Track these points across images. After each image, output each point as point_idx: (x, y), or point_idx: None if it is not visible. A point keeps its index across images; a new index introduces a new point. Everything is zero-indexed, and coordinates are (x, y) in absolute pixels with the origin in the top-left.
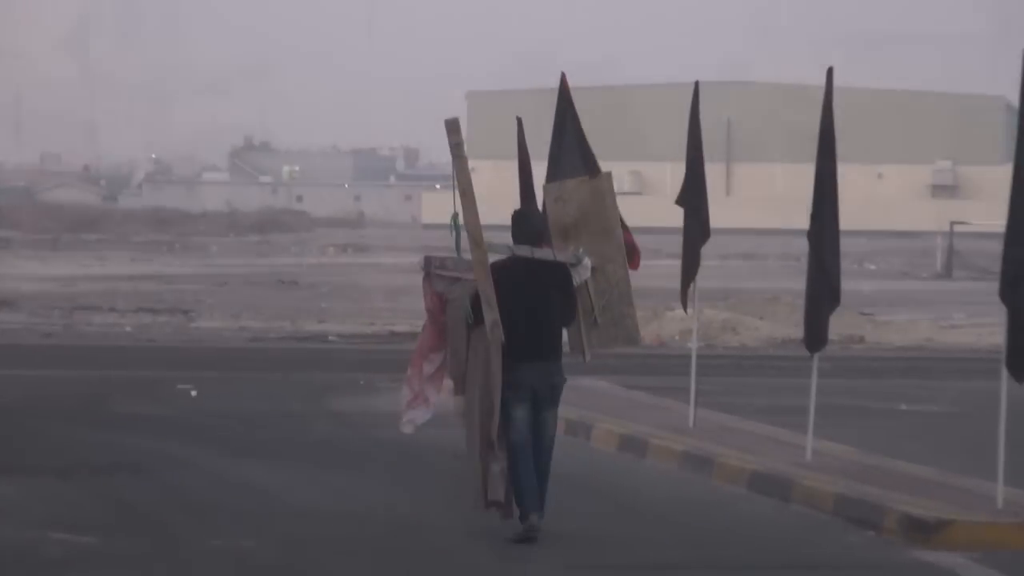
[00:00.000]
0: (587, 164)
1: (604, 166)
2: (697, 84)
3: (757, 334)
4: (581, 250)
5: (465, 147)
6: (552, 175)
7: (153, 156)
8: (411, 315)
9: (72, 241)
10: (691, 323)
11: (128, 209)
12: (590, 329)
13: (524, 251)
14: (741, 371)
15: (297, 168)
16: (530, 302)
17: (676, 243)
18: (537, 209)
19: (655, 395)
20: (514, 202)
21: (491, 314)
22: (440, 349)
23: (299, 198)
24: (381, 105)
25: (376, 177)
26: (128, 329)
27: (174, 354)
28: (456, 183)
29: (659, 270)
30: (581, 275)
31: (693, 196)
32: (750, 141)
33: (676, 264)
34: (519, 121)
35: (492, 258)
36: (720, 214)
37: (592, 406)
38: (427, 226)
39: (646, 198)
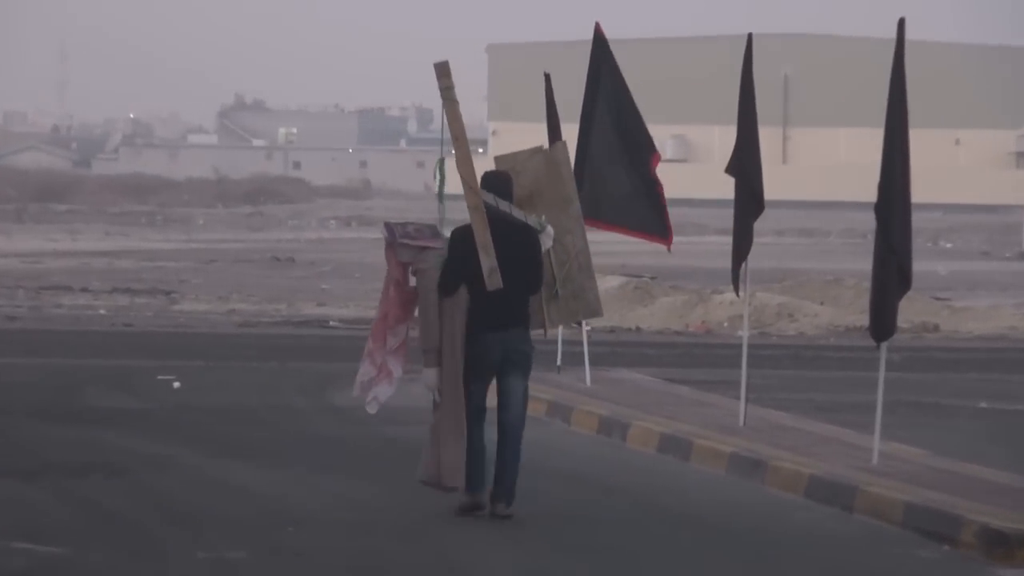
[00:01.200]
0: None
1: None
2: (750, 36)
3: (817, 321)
4: (543, 217)
5: (456, 91)
6: (584, 139)
7: (131, 116)
8: None
9: (39, 212)
10: (742, 308)
11: (103, 176)
12: (550, 302)
13: (505, 205)
14: (798, 363)
15: (295, 130)
16: (500, 266)
17: (725, 217)
18: (509, 174)
19: (700, 390)
20: None
21: (488, 260)
22: (405, 321)
23: (297, 164)
24: (390, 60)
25: (384, 141)
26: (102, 312)
27: (154, 340)
28: (448, 128)
29: (706, 248)
30: (545, 243)
31: (745, 164)
32: (809, 102)
33: (725, 241)
34: (547, 78)
35: (463, 220)
36: (775, 184)
37: (628, 402)
38: (448, 196)
39: (691, 166)
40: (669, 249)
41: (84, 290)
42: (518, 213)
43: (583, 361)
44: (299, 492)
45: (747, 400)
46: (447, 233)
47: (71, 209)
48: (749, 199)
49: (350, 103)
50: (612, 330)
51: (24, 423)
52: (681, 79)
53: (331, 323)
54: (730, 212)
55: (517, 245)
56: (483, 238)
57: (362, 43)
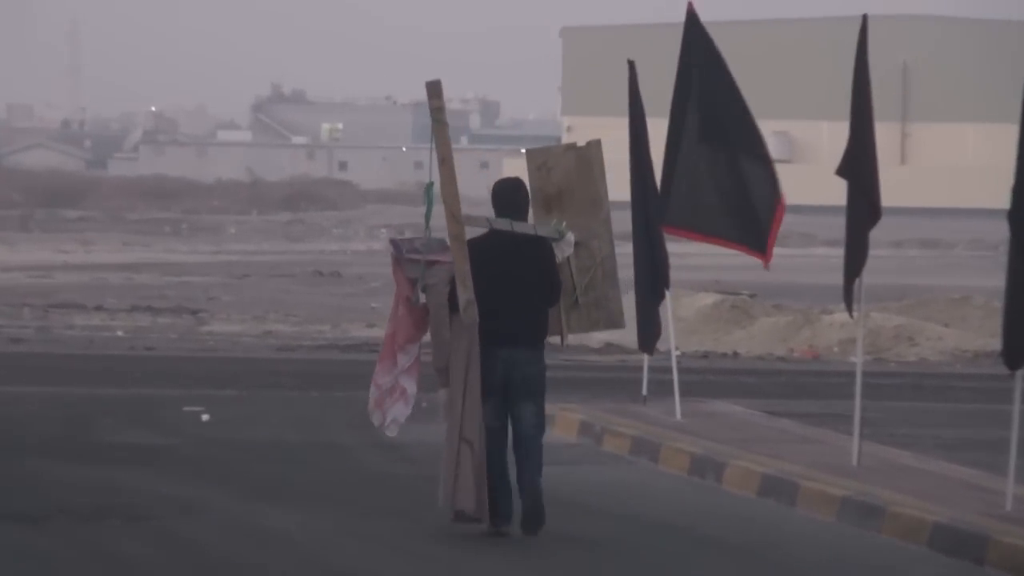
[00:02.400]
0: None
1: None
2: (865, 18)
3: (941, 345)
4: (564, 223)
5: (447, 112)
6: (674, 135)
7: (153, 109)
8: None
9: (47, 219)
10: (855, 331)
11: (120, 178)
12: (569, 311)
13: (503, 224)
14: (920, 393)
15: (340, 126)
16: (509, 280)
17: (836, 226)
18: (523, 181)
19: (807, 424)
20: (618, 170)
21: (465, 294)
22: (417, 340)
23: (343, 165)
24: (450, 46)
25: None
26: (120, 334)
27: (179, 367)
28: (436, 150)
29: (813, 262)
30: (563, 251)
31: (858, 165)
32: (932, 94)
33: (835, 254)
34: (632, 65)
35: (470, 234)
36: (894, 188)
37: (723, 438)
38: None
39: (795, 167)
40: (766, 266)
41: (99, 308)
42: (525, 227)
43: (672, 391)
44: (345, 541)
45: (861, 436)
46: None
47: (84, 216)
48: (863, 205)
49: (404, 95)
50: (705, 355)
51: (31, 461)
52: (784, 67)
53: None
54: (841, 220)
55: (526, 258)
56: (461, 269)
57: (419, 27)
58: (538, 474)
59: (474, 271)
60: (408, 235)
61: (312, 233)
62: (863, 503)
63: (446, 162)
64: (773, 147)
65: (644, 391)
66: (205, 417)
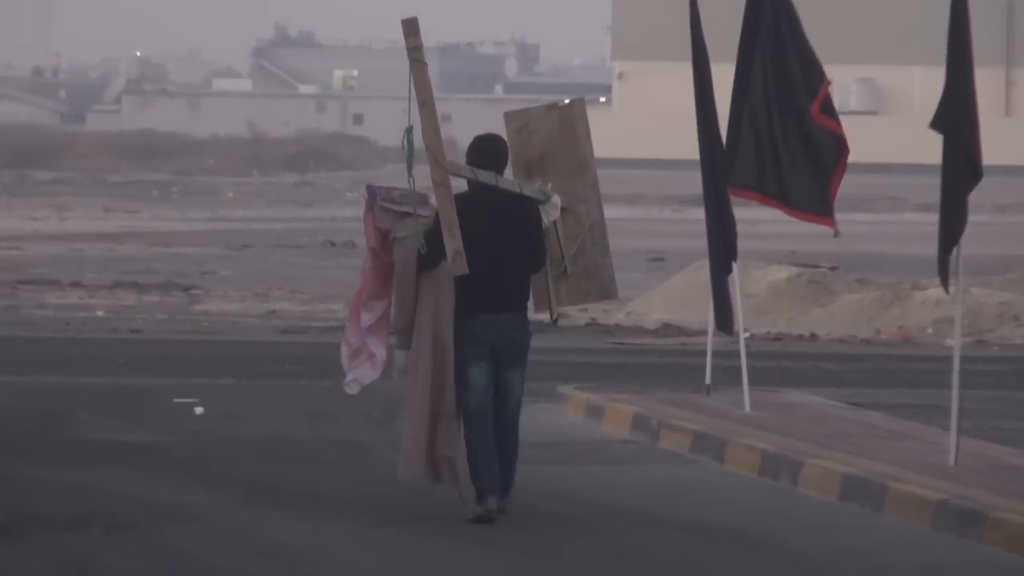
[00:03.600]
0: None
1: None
2: None
3: None
4: (549, 185)
5: (424, 51)
6: (741, 85)
7: (138, 54)
8: None
9: (16, 181)
10: (951, 309)
11: (100, 133)
12: (558, 281)
13: (487, 177)
14: None
15: (355, 73)
16: (492, 242)
17: (929, 188)
18: (502, 137)
19: (896, 416)
20: (681, 122)
21: (453, 243)
22: (383, 296)
23: (357, 118)
24: None
25: (474, 87)
26: (100, 314)
27: (169, 352)
28: (414, 92)
29: (903, 229)
30: (549, 214)
31: (956, 117)
32: None
33: (929, 220)
34: (694, 4)
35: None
36: (997, 144)
37: (800, 433)
38: None
39: (883, 119)
40: (835, 232)
41: (76, 285)
42: (510, 183)
43: (740, 379)
44: (357, 553)
45: (960, 431)
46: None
47: (58, 177)
48: (962, 164)
49: (429, 37)
50: (779, 337)
51: None
52: (869, 5)
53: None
54: (935, 181)
55: (511, 219)
56: (448, 218)
57: None
58: (515, 455)
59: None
60: (382, 185)
61: (322, 197)
62: (961, 508)
63: (427, 105)
64: (857, 97)
65: (707, 379)
66: (199, 410)
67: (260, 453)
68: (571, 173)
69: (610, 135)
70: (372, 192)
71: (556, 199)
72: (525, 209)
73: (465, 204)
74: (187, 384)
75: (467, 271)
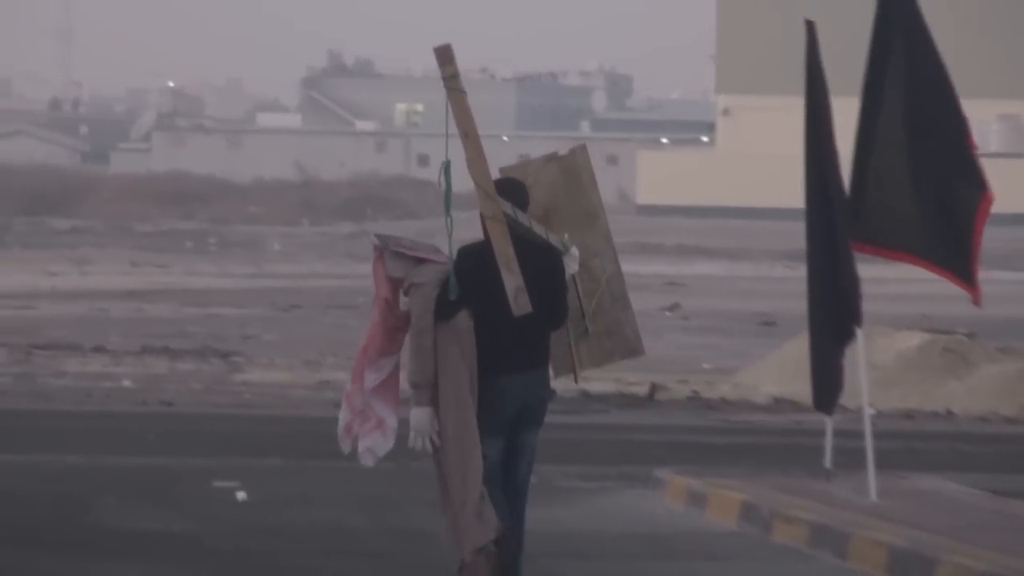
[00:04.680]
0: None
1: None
2: None
3: None
4: (567, 236)
5: (461, 79)
6: (868, 121)
7: (170, 85)
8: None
9: (30, 230)
10: None
11: (127, 176)
12: (579, 342)
13: (525, 219)
14: None
15: (420, 107)
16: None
17: None
18: (522, 182)
19: None
20: (795, 165)
21: (514, 279)
22: (392, 352)
23: (423, 159)
24: (565, 4)
25: (557, 123)
26: (127, 384)
27: (207, 427)
28: (456, 124)
29: None
30: (569, 267)
31: None
32: None
33: None
34: (811, 27)
35: (466, 241)
36: None
37: (934, 525)
38: (647, 209)
39: None
40: (975, 301)
41: (99, 350)
42: (539, 229)
43: (864, 462)
44: None
45: None
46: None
47: (78, 226)
48: None
49: (505, 67)
50: (909, 414)
51: (9, 553)
52: (1011, 31)
53: None
54: None
55: (539, 271)
56: (505, 252)
57: None
58: (522, 524)
59: (476, 283)
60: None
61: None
62: None
63: (470, 135)
64: (998, 136)
65: (827, 462)
66: (241, 495)
67: (310, 545)
68: (580, 225)
69: (713, 180)
70: (383, 239)
71: (575, 251)
72: (552, 261)
73: (485, 254)
74: (227, 465)
75: (531, 309)
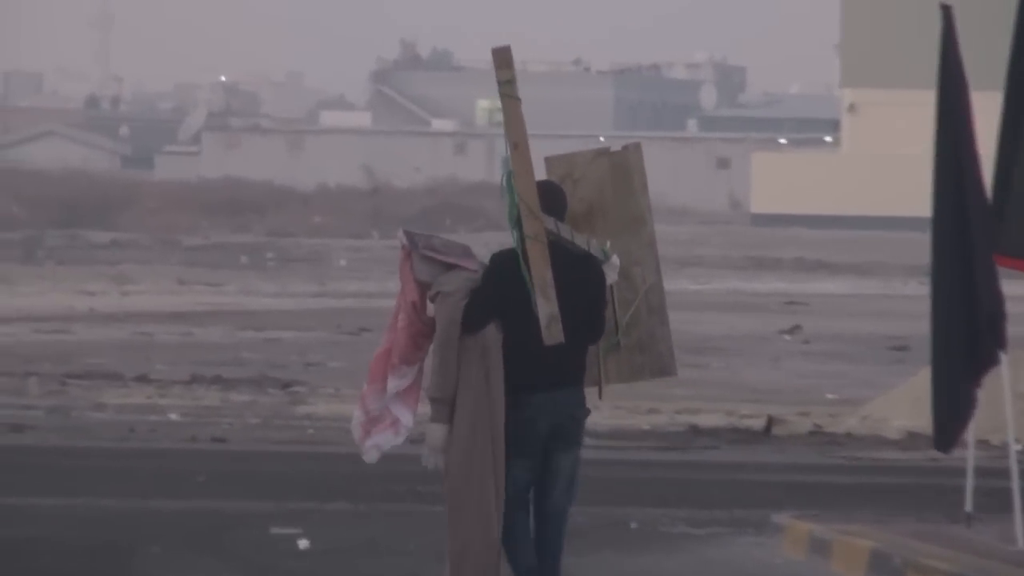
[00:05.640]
0: None
1: None
2: None
3: None
4: (608, 244)
5: (518, 86)
6: (1013, 118)
7: (222, 80)
8: (715, 397)
9: (66, 244)
10: None
11: (174, 182)
12: (608, 354)
13: (566, 232)
14: None
15: None
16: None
17: None
18: (560, 187)
19: None
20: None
21: (548, 306)
22: (415, 361)
23: (508, 162)
24: None
25: (661, 122)
26: (174, 417)
27: (264, 467)
28: (506, 133)
29: None
30: (608, 277)
31: None
32: None
33: None
34: (947, 11)
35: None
36: None
37: None
38: (762, 219)
39: None
40: None
41: (142, 380)
42: (580, 239)
43: (1010, 505)
44: None
45: None
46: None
47: (119, 239)
48: None
49: (601, 58)
50: None
51: None
52: None
53: None
54: None
55: (577, 281)
56: (543, 277)
57: None
58: (560, 552)
59: (508, 294)
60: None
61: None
62: None
63: (519, 147)
64: None
65: (968, 506)
66: (303, 543)
67: None
68: (624, 230)
69: (837, 185)
70: (412, 238)
71: (615, 260)
72: (591, 271)
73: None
74: (287, 509)
75: (562, 339)
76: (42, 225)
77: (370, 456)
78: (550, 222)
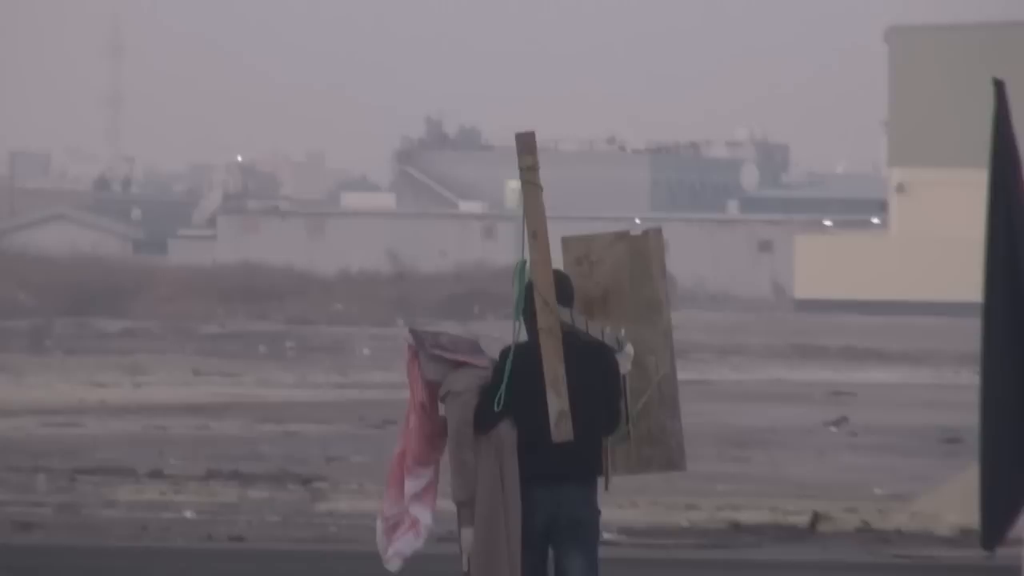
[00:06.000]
0: None
1: None
2: None
3: None
4: (623, 331)
5: (540, 173)
6: None
7: (239, 160)
8: (757, 492)
9: (75, 333)
10: None
11: (188, 268)
12: (618, 444)
13: (580, 322)
14: None
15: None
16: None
17: None
18: (567, 274)
19: None
20: (979, 250)
21: (559, 402)
22: (430, 463)
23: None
24: (706, 60)
25: (699, 202)
26: (189, 515)
27: (285, 567)
28: (526, 221)
29: None
30: (622, 366)
31: None
32: None
33: None
34: (1000, 88)
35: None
36: None
37: None
38: (807, 304)
39: None
40: None
41: (156, 475)
42: (595, 329)
43: None
44: None
45: None
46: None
47: (131, 328)
48: None
49: (636, 136)
50: None
51: None
52: None
53: (604, 536)
54: None
55: (589, 372)
56: (555, 371)
57: (657, 32)
58: None
59: (522, 388)
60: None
61: (490, 353)
62: None
63: (538, 236)
64: None
65: None
66: None
67: None
68: (640, 317)
69: (886, 269)
70: (419, 338)
71: (630, 348)
72: (604, 362)
73: (533, 353)
74: None
75: (571, 437)
76: (50, 313)
77: (393, 565)
78: (565, 314)
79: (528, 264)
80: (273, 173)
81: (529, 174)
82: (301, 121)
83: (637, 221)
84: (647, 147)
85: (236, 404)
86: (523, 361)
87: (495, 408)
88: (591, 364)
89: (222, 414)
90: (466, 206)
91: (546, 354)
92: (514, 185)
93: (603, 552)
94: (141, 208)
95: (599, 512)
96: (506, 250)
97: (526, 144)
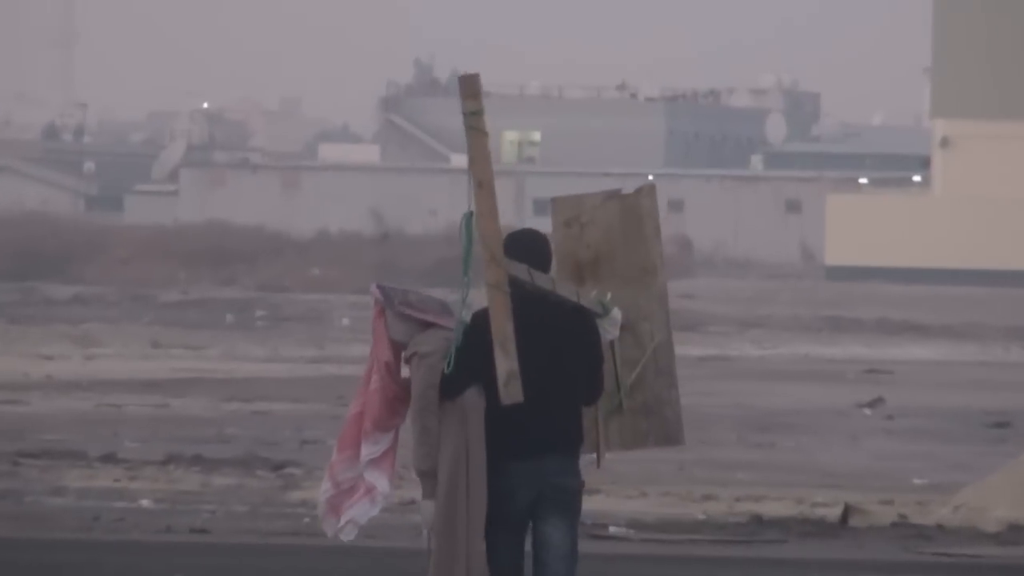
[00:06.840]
0: None
1: None
2: None
3: None
4: (608, 296)
5: (485, 119)
6: None
7: (204, 107)
8: (782, 482)
9: (19, 300)
10: None
11: (147, 227)
12: (610, 418)
13: (545, 282)
14: None
15: (536, 136)
16: (539, 366)
17: None
18: (544, 234)
19: None
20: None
21: (507, 362)
22: (389, 428)
23: (540, 205)
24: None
25: (720, 158)
26: (146, 504)
27: (252, 562)
28: (470, 169)
29: None
30: (607, 333)
31: None
32: None
33: None
34: None
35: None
36: None
37: None
38: (839, 272)
39: None
40: None
41: (109, 459)
42: (565, 290)
43: None
44: None
45: None
46: (466, 317)
47: (82, 294)
48: None
49: (650, 83)
50: None
51: None
52: None
53: (611, 529)
54: None
55: (565, 337)
56: (502, 329)
57: None
58: None
59: (487, 355)
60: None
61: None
62: None
63: (484, 186)
64: None
65: None
66: None
67: None
68: (633, 281)
69: (928, 233)
70: (387, 293)
71: (616, 313)
72: (583, 325)
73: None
74: None
75: (521, 399)
76: None
77: (347, 534)
78: (520, 269)
79: (474, 216)
80: (243, 122)
81: (473, 119)
82: (274, 64)
83: (650, 177)
84: (662, 95)
85: (200, 380)
86: (488, 326)
87: (445, 371)
88: (565, 327)
89: (184, 391)
90: (458, 160)
91: (493, 312)
92: (512, 137)
93: (609, 548)
94: (95, 160)
95: (583, 482)
96: (502, 208)
97: (470, 87)
